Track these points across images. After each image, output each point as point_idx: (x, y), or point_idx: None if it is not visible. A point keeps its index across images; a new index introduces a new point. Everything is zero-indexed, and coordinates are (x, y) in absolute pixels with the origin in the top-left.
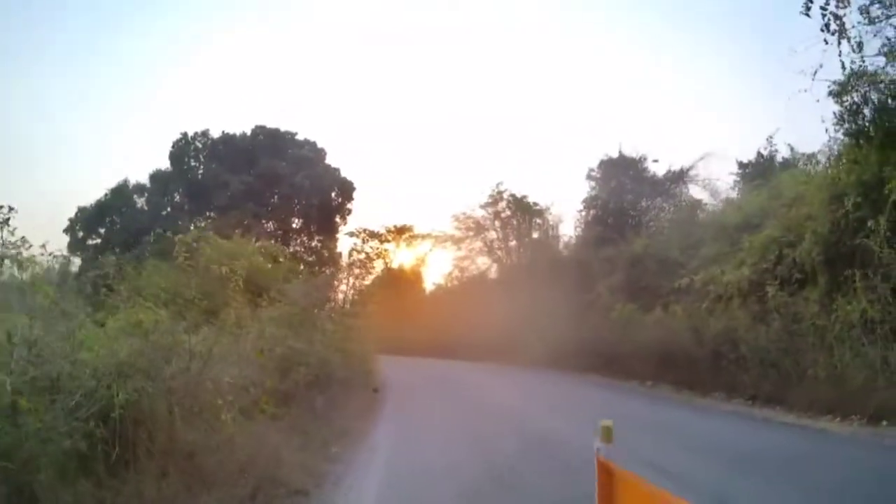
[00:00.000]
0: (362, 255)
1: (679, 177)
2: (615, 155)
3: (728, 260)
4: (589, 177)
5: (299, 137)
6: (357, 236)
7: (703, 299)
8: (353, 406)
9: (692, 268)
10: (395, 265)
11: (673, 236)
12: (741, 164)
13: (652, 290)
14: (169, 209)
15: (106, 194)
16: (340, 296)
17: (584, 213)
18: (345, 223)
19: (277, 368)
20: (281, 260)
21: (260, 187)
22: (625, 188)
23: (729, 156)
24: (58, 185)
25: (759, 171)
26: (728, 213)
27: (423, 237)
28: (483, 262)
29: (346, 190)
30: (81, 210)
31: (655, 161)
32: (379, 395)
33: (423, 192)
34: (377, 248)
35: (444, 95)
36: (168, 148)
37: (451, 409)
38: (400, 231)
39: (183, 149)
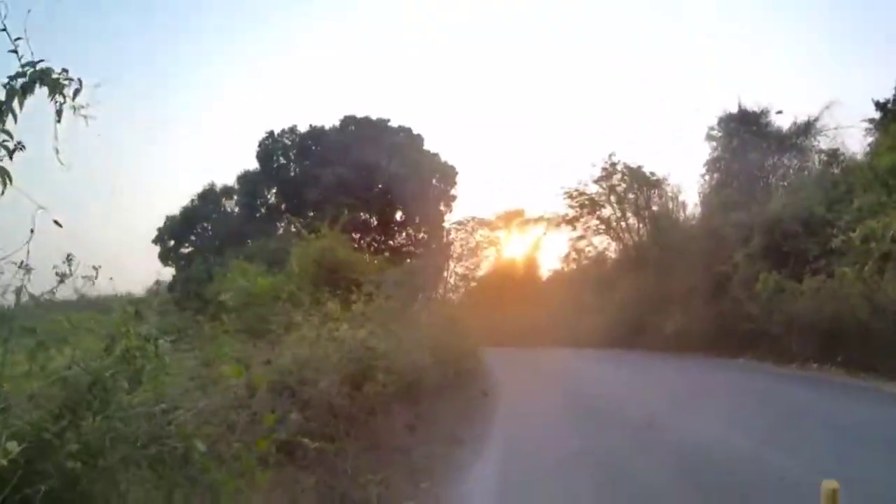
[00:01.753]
0: (472, 244)
1: (806, 129)
2: (734, 110)
3: (888, 211)
4: (709, 137)
5: (392, 124)
6: (465, 225)
7: (865, 259)
8: (450, 420)
9: (844, 225)
10: (507, 253)
11: (814, 192)
12: (878, 105)
13: (798, 255)
14: (263, 210)
15: (193, 200)
16: (445, 286)
17: (706, 178)
18: (450, 211)
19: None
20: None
21: (354, 179)
22: (748, 146)
23: (853, 103)
24: (143, 197)
25: None
26: (879, 157)
27: (536, 220)
28: (601, 241)
29: (448, 176)
30: (170, 219)
31: (779, 112)
32: (489, 400)
33: (530, 174)
34: (487, 237)
35: (543, 68)
36: (255, 148)
37: (578, 415)
38: (510, 216)
39: (271, 147)
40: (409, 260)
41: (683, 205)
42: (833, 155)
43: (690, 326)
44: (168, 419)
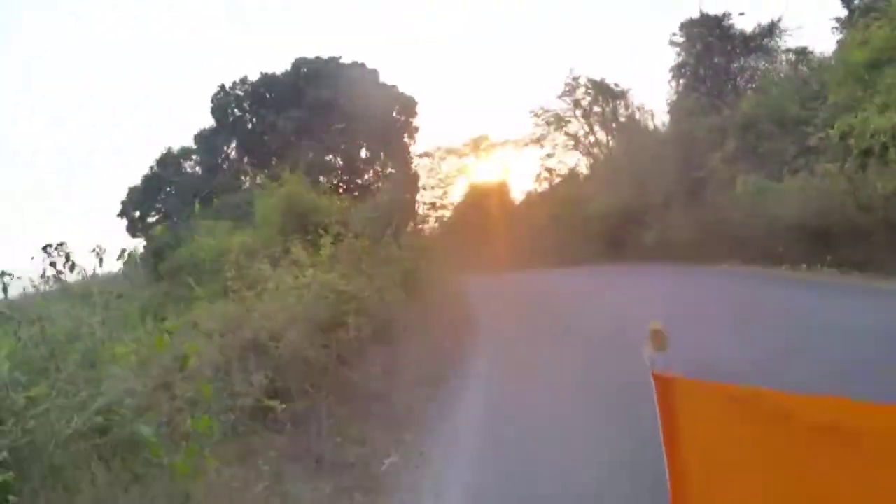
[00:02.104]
0: (441, 174)
1: (770, 30)
2: (696, 15)
3: (864, 107)
4: (672, 43)
5: (345, 61)
6: (431, 156)
7: (845, 156)
8: (431, 359)
9: (820, 123)
10: (477, 179)
11: (785, 91)
12: (844, 1)
13: (775, 155)
14: (225, 167)
15: (152, 167)
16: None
17: (673, 84)
18: (414, 142)
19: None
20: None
21: (312, 122)
22: (713, 49)
23: (816, 2)
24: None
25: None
26: (850, 52)
27: (502, 144)
28: (571, 158)
29: (408, 107)
30: (132, 190)
31: (742, 14)
32: (471, 331)
33: (492, 97)
34: (456, 165)
35: None
36: (208, 105)
37: (568, 338)
38: (476, 142)
39: (224, 101)
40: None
41: (652, 113)
42: (801, 53)
43: (670, 235)
44: (103, 407)
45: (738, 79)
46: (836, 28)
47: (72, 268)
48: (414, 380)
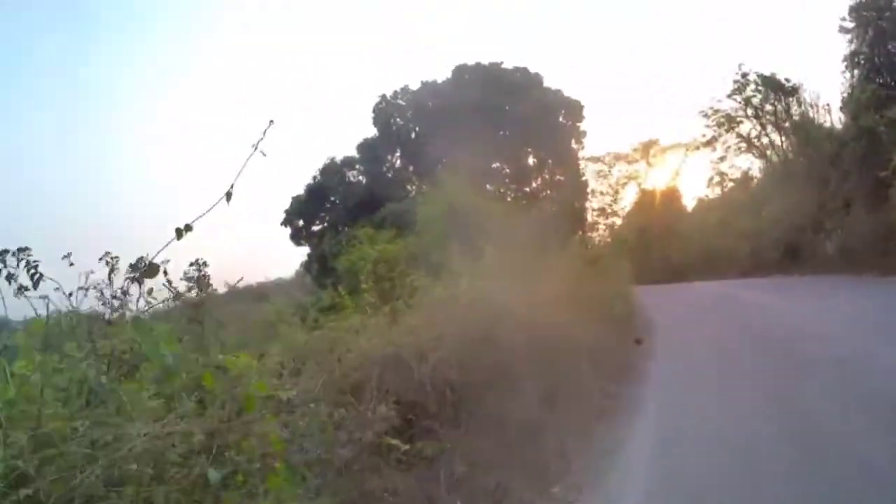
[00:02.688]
0: (611, 180)
1: None
2: None
3: None
4: (842, 30)
5: (507, 66)
6: (601, 161)
7: None
8: (596, 384)
9: None
10: (647, 185)
11: None
12: None
13: None
14: (389, 175)
15: (315, 177)
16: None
17: (846, 75)
18: (582, 147)
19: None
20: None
21: (477, 128)
22: (887, 34)
23: None
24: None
25: None
26: None
27: (673, 148)
28: (744, 161)
29: (574, 110)
30: (295, 199)
31: None
32: (645, 348)
33: (661, 100)
34: (626, 171)
35: None
36: (370, 115)
37: (761, 365)
38: (646, 147)
39: (385, 110)
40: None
41: (828, 108)
42: None
43: (853, 243)
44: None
45: None
46: None
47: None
48: (573, 410)
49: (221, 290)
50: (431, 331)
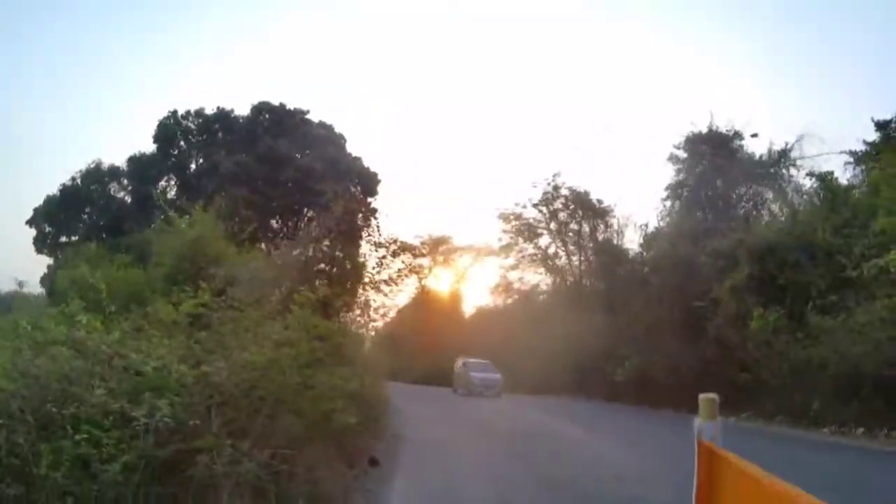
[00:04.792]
0: (392, 270)
1: (781, 158)
2: (703, 130)
3: None
4: (673, 158)
5: (312, 118)
6: (385, 247)
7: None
8: None
9: (860, 254)
10: (430, 283)
11: (814, 215)
12: (878, 125)
13: (798, 289)
14: (157, 200)
15: (74, 178)
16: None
17: (668, 204)
18: (367, 225)
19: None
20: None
21: (259, 170)
22: (718, 170)
23: (828, 138)
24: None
25: None
26: None
27: (464, 250)
28: (537, 275)
29: (369, 182)
30: (48, 199)
31: (754, 136)
32: (379, 473)
33: (461, 197)
34: (409, 263)
35: (480, 81)
36: (153, 129)
37: None
38: (436, 243)
39: (171, 129)
40: (318, 279)
41: (644, 230)
42: (824, 178)
43: (652, 373)
44: None
45: (743, 204)
46: (850, 161)
47: None
48: None
49: None
50: None
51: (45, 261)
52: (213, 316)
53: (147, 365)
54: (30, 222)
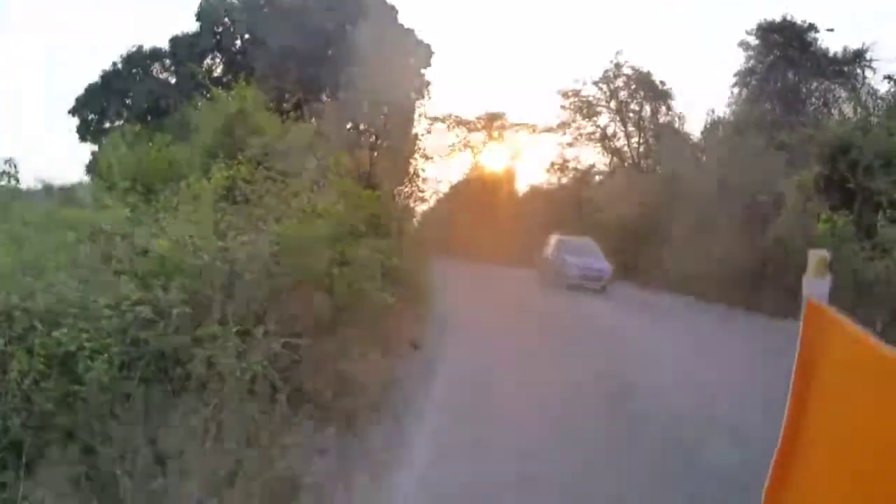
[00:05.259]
0: (447, 144)
1: (855, 59)
2: (776, 19)
3: None
4: (743, 45)
5: None
6: (441, 121)
7: None
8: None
9: None
10: (483, 159)
11: (892, 122)
12: None
13: (870, 196)
14: (204, 80)
15: (115, 64)
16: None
17: (735, 91)
18: (421, 98)
19: None
20: None
21: (311, 51)
22: (789, 61)
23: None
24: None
25: None
26: None
27: (519, 126)
28: (591, 153)
29: (422, 56)
30: (89, 88)
31: (830, 31)
32: (419, 363)
33: (517, 72)
34: (464, 138)
35: None
36: (196, 8)
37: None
38: (491, 118)
39: (214, 6)
40: (374, 153)
41: (711, 115)
42: None
43: (707, 267)
44: None
45: (812, 100)
46: None
47: None
48: None
49: None
50: None
51: (91, 148)
52: (247, 188)
53: (156, 244)
54: (72, 111)
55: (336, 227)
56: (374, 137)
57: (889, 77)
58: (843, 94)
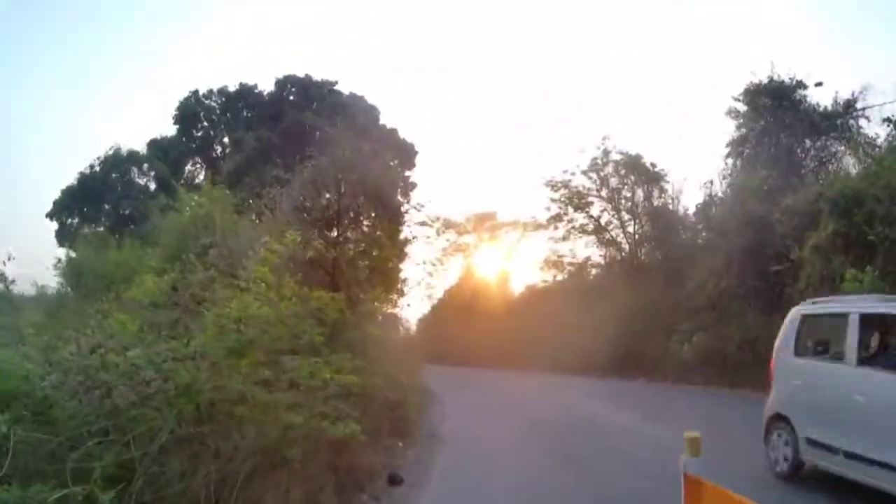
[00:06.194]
0: (437, 248)
1: (846, 109)
2: (763, 81)
3: None
4: (731, 113)
5: (340, 89)
6: (429, 225)
7: None
8: None
9: None
10: (476, 262)
11: None
12: None
13: (892, 245)
14: (181, 184)
15: (92, 166)
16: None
17: (729, 161)
18: (408, 200)
19: None
20: None
21: (285, 147)
22: (781, 123)
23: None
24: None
25: None
26: None
27: (509, 225)
28: (585, 245)
29: (406, 155)
30: (67, 190)
31: (819, 85)
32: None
33: (506, 171)
34: (454, 242)
35: (523, 37)
36: (173, 110)
37: None
38: (481, 219)
39: (192, 109)
40: (359, 261)
41: (709, 188)
42: None
43: (724, 349)
44: None
45: (806, 160)
46: None
47: None
48: None
49: None
50: None
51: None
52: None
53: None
54: (50, 215)
55: (263, 337)
56: (335, 232)
57: (888, 119)
58: (841, 148)
